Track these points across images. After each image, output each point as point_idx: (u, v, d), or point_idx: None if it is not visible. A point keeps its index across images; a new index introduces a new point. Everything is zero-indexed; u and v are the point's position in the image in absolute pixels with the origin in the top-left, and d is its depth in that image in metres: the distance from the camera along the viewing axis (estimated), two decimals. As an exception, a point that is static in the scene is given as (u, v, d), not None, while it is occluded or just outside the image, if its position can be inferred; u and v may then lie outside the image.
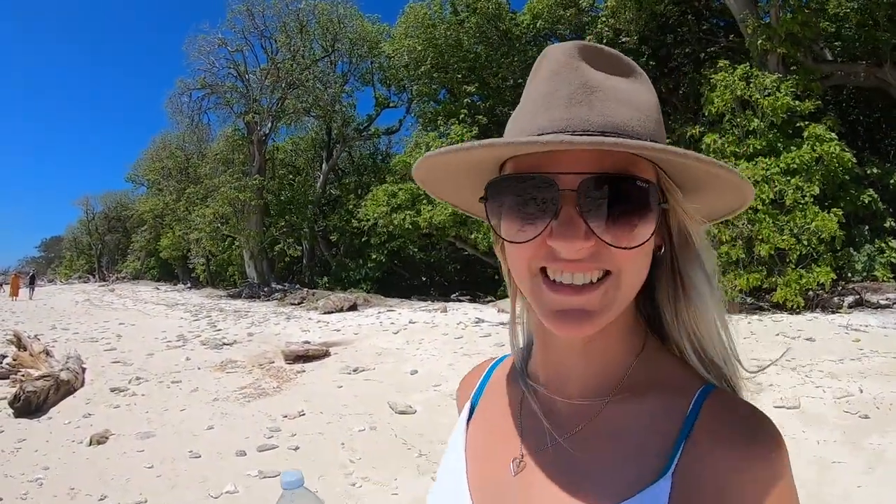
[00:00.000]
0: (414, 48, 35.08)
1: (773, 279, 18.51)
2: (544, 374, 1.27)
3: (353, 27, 45.44)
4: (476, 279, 38.68)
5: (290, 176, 50.48)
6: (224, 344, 20.28)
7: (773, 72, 20.81)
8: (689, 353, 1.17)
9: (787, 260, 18.44)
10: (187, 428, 10.98)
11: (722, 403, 1.09)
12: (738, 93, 20.40)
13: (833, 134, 19.47)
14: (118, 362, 17.35)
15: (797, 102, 19.74)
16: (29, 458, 9.43)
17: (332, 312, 27.28)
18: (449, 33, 33.84)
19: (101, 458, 9.40)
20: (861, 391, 10.16)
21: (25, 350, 16.33)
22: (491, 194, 1.11)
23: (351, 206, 39.89)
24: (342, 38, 45.62)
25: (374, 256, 38.41)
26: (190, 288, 58.65)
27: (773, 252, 18.37)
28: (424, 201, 30.85)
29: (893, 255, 19.27)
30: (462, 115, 33.00)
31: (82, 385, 14.37)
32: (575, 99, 1.04)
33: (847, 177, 19.69)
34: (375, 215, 32.55)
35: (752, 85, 20.32)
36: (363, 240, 38.81)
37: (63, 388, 13.33)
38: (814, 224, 18.19)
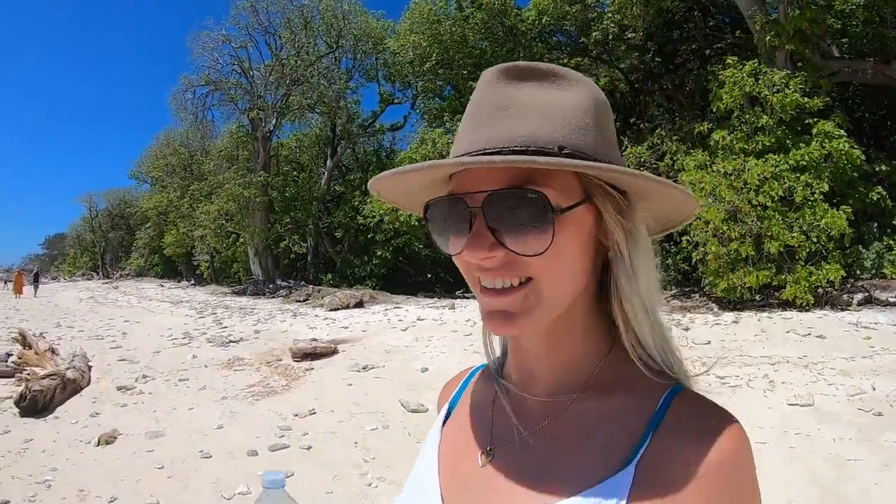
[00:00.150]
0: (419, 44, 34.98)
1: (783, 276, 18.33)
2: (515, 375, 1.32)
3: (357, 23, 45.27)
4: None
5: (295, 172, 50.29)
6: (231, 341, 20.18)
7: (782, 68, 20.64)
8: (633, 353, 1.19)
9: (797, 257, 18.28)
10: (196, 427, 10.86)
11: (687, 402, 1.13)
12: (747, 89, 20.25)
13: (842, 131, 19.32)
14: (124, 360, 17.26)
15: (806, 99, 19.59)
16: (36, 459, 9.30)
17: (339, 309, 27.09)
18: (454, 29, 33.72)
19: (110, 459, 9.28)
20: (874, 389, 10.18)
21: (31, 348, 16.24)
22: (427, 215, 1.20)
23: (356, 203, 39.74)
24: (346, 35, 45.43)
25: (379, 253, 38.22)
26: (194, 285, 58.57)
27: (782, 249, 18.23)
28: (431, 198, 30.24)
29: (902, 252, 19.05)
30: (469, 112, 32.44)
31: (88, 383, 14.26)
32: (489, 120, 1.12)
33: (855, 174, 19.54)
34: (381, 212, 32.43)
35: (760, 81, 20.15)
36: (368, 236, 38.65)
37: (69, 387, 13.23)
38: (823, 221, 18.07)
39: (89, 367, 15.24)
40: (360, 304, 27.91)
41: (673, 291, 22.36)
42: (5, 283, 78.37)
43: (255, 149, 44.99)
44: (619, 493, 1.04)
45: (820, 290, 18.01)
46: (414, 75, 41.03)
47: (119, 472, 8.65)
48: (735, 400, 9.88)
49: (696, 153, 21.82)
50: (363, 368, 14.90)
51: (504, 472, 1.21)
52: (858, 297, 17.93)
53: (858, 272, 19.11)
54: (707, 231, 19.07)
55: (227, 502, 7.68)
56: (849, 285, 18.48)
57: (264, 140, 44.64)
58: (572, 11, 31.42)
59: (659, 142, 24.62)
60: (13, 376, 14.60)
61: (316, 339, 18.18)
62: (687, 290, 22.21)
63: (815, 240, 18.14)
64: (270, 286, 41.26)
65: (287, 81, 43.90)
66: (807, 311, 17.38)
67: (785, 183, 18.68)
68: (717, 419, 1.07)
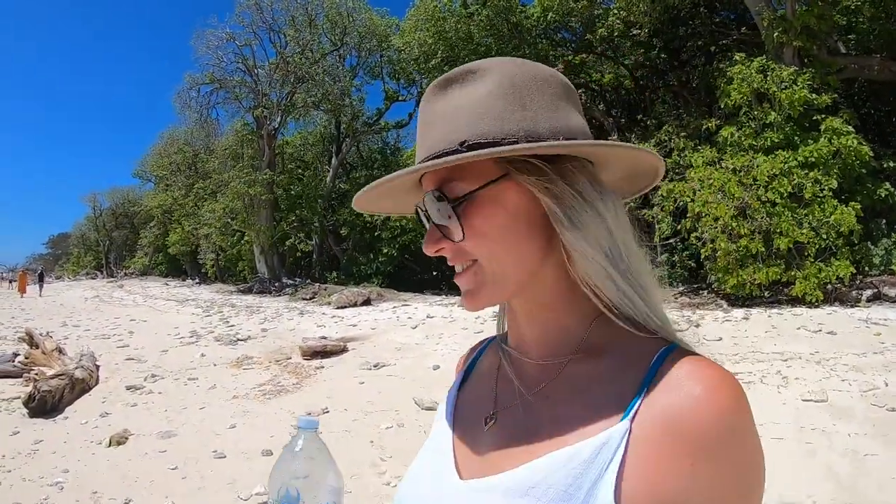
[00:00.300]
0: (425, 41, 34.84)
1: (792, 273, 18.29)
2: (513, 341, 1.38)
3: (361, 20, 45.22)
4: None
5: (300, 170, 50.21)
6: (238, 340, 20.15)
7: (789, 65, 20.54)
8: (611, 315, 1.21)
9: (806, 254, 18.24)
10: (209, 427, 10.78)
11: (680, 360, 1.11)
12: (755, 86, 20.16)
13: (850, 127, 19.23)
14: (132, 359, 17.22)
15: (814, 96, 19.51)
16: (47, 461, 9.16)
17: (346, 307, 27.09)
18: (459, 26, 33.54)
19: (123, 460, 9.16)
20: (886, 384, 10.14)
21: (38, 348, 16.14)
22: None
23: (363, 201, 39.43)
24: (351, 32, 45.37)
25: (385, 251, 38.18)
26: (199, 283, 58.71)
27: (791, 246, 18.19)
28: (438, 195, 30.29)
29: (911, 249, 19.01)
30: (475, 108, 32.33)
31: (97, 383, 14.21)
32: (420, 136, 1.27)
33: (864, 170, 19.51)
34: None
35: (769, 78, 20.05)
36: (375, 234, 38.61)
37: (78, 387, 13.16)
38: (833, 218, 18.02)
39: (97, 367, 15.16)
40: (367, 302, 27.90)
41: (680, 288, 22.31)
42: (10, 282, 78.55)
43: (260, 147, 44.93)
44: (614, 444, 1.06)
45: (829, 286, 17.95)
46: (419, 72, 40.90)
47: (132, 473, 8.53)
48: (750, 396, 9.55)
49: (703, 149, 21.81)
50: (374, 366, 14.85)
51: (505, 432, 1.26)
52: (868, 293, 17.84)
53: (867, 268, 19.05)
54: (716, 227, 19.00)
55: (244, 503, 7.57)
56: (858, 282, 18.41)
57: (269, 138, 44.57)
58: (577, 8, 31.18)
59: (666, 138, 24.47)
60: (21, 376, 14.53)
61: (325, 338, 18.14)
62: (695, 286, 22.11)
63: (824, 236, 18.12)
64: (276, 284, 41.36)
65: (292, 79, 43.95)
66: (816, 307, 17.35)
67: (794, 179, 18.63)
68: (709, 377, 1.07)
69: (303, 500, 1.25)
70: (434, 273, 41.07)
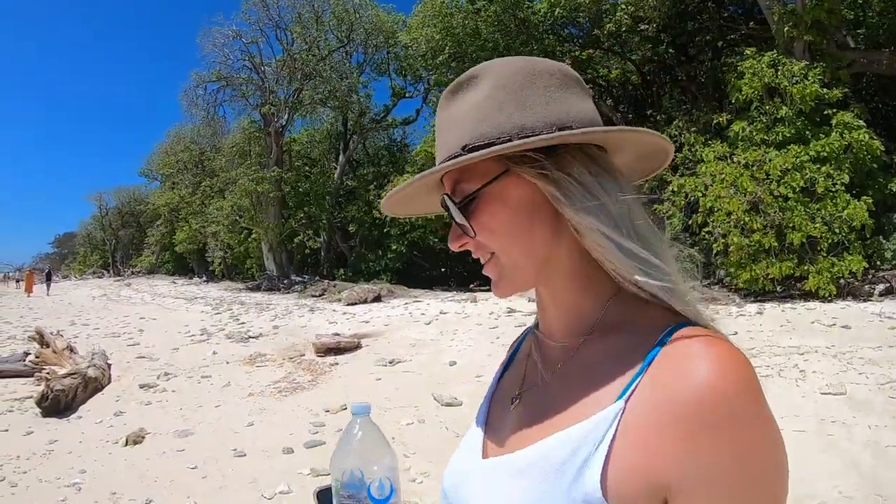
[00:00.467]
0: (432, 37, 34.74)
1: (805, 267, 18.35)
2: (542, 325, 1.43)
3: (368, 17, 45.17)
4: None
5: (307, 168, 50.08)
6: (250, 337, 20.08)
7: (800, 59, 20.54)
8: (634, 291, 1.22)
9: (818, 248, 18.28)
10: (226, 425, 10.69)
11: (688, 335, 1.10)
12: (766, 80, 20.14)
13: (861, 122, 19.24)
14: (143, 357, 17.18)
15: (825, 90, 19.53)
16: (63, 461, 9.05)
17: (356, 304, 27.01)
18: (466, 22, 33.45)
19: (140, 459, 9.04)
20: (903, 378, 10.07)
21: (48, 347, 16.02)
22: None
23: (371, 197, 39.50)
24: (357, 29, 45.35)
25: (394, 247, 38.06)
26: (206, 281, 58.75)
27: (804, 240, 18.20)
28: (449, 190, 30.33)
29: (922, 243, 19.01)
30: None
31: (109, 382, 14.15)
32: (436, 141, 1.36)
33: (875, 165, 19.53)
34: (397, 205, 32.17)
35: (780, 72, 20.02)
36: (384, 231, 38.52)
37: (91, 386, 13.09)
38: (846, 212, 18.07)
39: (109, 365, 15.06)
40: (377, 299, 27.86)
41: (692, 283, 22.01)
42: (17, 282, 78.75)
43: (268, 144, 44.88)
44: (605, 425, 1.08)
45: (842, 280, 18.01)
46: (426, 69, 40.94)
47: (151, 473, 8.40)
48: (769, 389, 9.42)
49: (714, 144, 21.84)
50: (390, 363, 14.77)
51: (526, 412, 1.32)
52: (880, 287, 17.94)
53: (879, 263, 19.12)
54: (729, 222, 19.00)
55: (268, 502, 7.44)
56: (870, 276, 18.48)
57: (277, 135, 44.53)
58: (585, 3, 31.13)
59: (677, 133, 24.36)
60: (32, 375, 14.47)
61: (338, 334, 18.05)
62: (706, 283, 21.92)
63: (836, 231, 18.15)
64: (285, 281, 41.37)
65: (299, 76, 43.88)
66: (829, 301, 17.45)
67: (806, 174, 18.67)
68: (712, 355, 1.04)
69: (366, 479, 1.32)
70: (443, 269, 41.04)
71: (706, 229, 19.86)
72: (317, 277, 41.78)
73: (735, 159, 20.25)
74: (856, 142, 18.67)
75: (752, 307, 17.37)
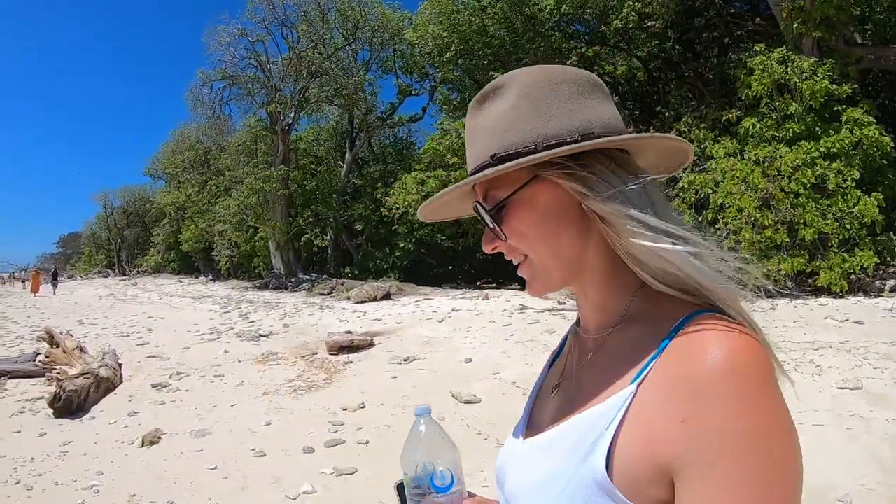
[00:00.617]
0: (439, 35, 34.70)
1: (816, 263, 18.47)
2: (581, 320, 1.51)
3: (373, 14, 45.28)
4: (505, 266, 38.48)
5: (313, 166, 50.10)
6: (260, 336, 19.98)
7: (808, 56, 20.55)
8: (653, 284, 1.25)
9: (829, 244, 18.41)
10: (243, 424, 10.57)
11: (698, 323, 1.14)
12: (776, 76, 20.15)
13: (871, 118, 19.34)
14: (154, 357, 17.09)
15: (834, 87, 19.59)
16: (78, 463, 8.90)
17: (366, 302, 26.98)
18: (473, 19, 33.48)
19: (158, 460, 8.91)
20: (919, 372, 10.32)
21: (58, 347, 15.90)
22: None
23: (379, 195, 39.39)
24: (363, 26, 45.41)
25: (402, 245, 38.07)
26: (212, 280, 58.87)
27: (816, 236, 18.31)
28: (457, 189, 30.33)
29: (932, 239, 19.12)
30: (491, 102, 32.22)
31: (121, 382, 13.99)
32: (466, 149, 1.43)
33: (885, 161, 19.63)
34: (406, 203, 32.18)
35: (789, 69, 20.02)
36: (392, 228, 38.35)
37: (103, 386, 12.96)
38: (857, 208, 18.18)
39: (119, 365, 14.89)
40: (387, 297, 27.82)
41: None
42: (23, 282, 78.89)
43: (274, 142, 44.92)
44: (616, 408, 1.14)
45: (853, 276, 18.17)
46: (433, 66, 41.02)
47: (170, 474, 8.27)
48: (785, 385, 9.76)
49: (724, 140, 21.94)
50: (404, 360, 14.67)
51: (561, 399, 1.41)
52: (891, 283, 18.16)
53: (889, 259, 19.24)
54: (740, 218, 19.09)
55: (292, 502, 7.32)
56: (881, 272, 18.66)
57: (283, 133, 44.56)
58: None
59: (686, 129, 24.36)
60: (42, 376, 14.36)
61: (350, 332, 17.95)
62: None
63: (847, 227, 18.26)
64: (292, 280, 41.40)
65: (305, 74, 43.90)
66: (841, 297, 17.63)
67: (817, 170, 18.75)
68: (721, 340, 1.08)
69: (430, 472, 1.43)
70: (450, 267, 41.01)
71: (717, 225, 19.86)
72: (324, 276, 41.83)
73: (746, 156, 20.29)
74: (866, 138, 18.79)
75: (764, 303, 17.11)
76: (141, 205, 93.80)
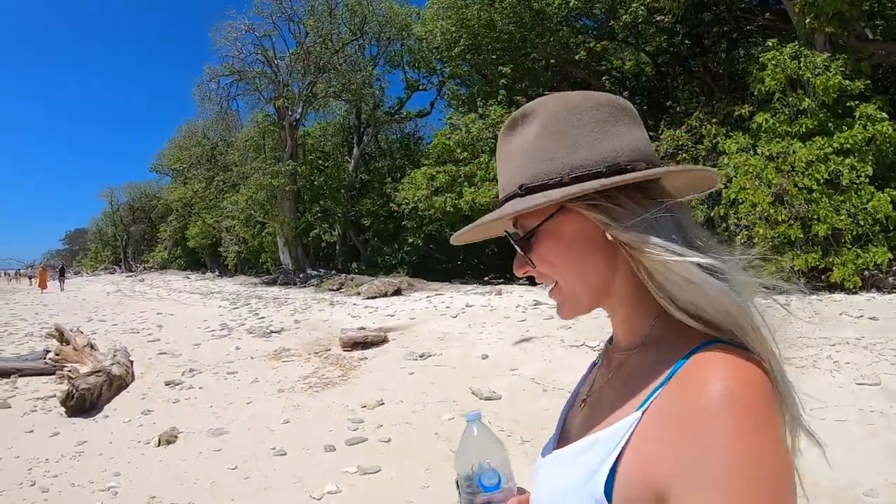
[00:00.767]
0: (447, 30, 34.61)
1: (830, 259, 18.47)
2: (614, 338, 1.53)
3: (381, 10, 45.16)
4: (513, 262, 38.57)
5: (320, 161, 50.00)
6: (272, 332, 19.96)
7: (821, 51, 20.49)
8: (672, 311, 1.25)
9: (843, 240, 18.42)
10: (260, 422, 10.44)
11: (708, 353, 1.15)
12: (789, 72, 20.06)
13: (884, 114, 19.22)
14: (165, 354, 17.03)
15: (847, 82, 19.50)
16: (94, 463, 8.74)
17: (376, 297, 26.87)
18: (482, 14, 33.36)
19: (176, 460, 8.75)
20: (936, 368, 10.38)
21: (68, 344, 15.85)
22: None
23: (388, 191, 39.31)
24: (370, 21, 45.34)
25: (410, 240, 37.96)
26: (220, 276, 58.88)
27: (829, 232, 18.30)
28: (465, 184, 30.72)
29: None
30: (500, 97, 32.48)
31: (133, 379, 13.89)
32: (498, 168, 1.48)
33: (897, 157, 19.54)
34: (415, 199, 32.13)
35: (802, 64, 19.93)
36: (402, 223, 38.21)
37: (116, 384, 12.86)
38: (870, 204, 18.17)
39: (131, 362, 14.78)
40: (398, 292, 27.69)
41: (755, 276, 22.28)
42: (30, 279, 79.09)
43: (283, 138, 44.75)
44: (621, 433, 1.18)
45: (866, 272, 18.14)
46: (440, 61, 40.94)
47: (189, 475, 8.11)
48: (805, 381, 9.94)
49: (736, 136, 21.90)
50: (420, 356, 14.58)
51: (585, 415, 1.44)
52: None
53: None
54: (754, 214, 19.07)
55: (317, 503, 7.17)
56: (894, 268, 18.54)
57: (291, 129, 44.42)
58: (601, -6, 31.09)
59: (697, 124, 24.37)
60: (53, 373, 14.29)
61: (364, 328, 17.87)
62: None
63: (861, 223, 18.25)
64: (301, 275, 41.35)
65: (312, 69, 43.85)
66: (854, 293, 17.63)
67: (830, 166, 18.70)
68: (718, 369, 1.10)
69: (485, 472, 1.50)
70: (459, 262, 40.94)
71: (731, 221, 19.97)
72: (332, 271, 41.73)
73: (759, 151, 20.24)
74: (879, 134, 18.70)
75: (778, 299, 17.25)
76: (147, 201, 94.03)
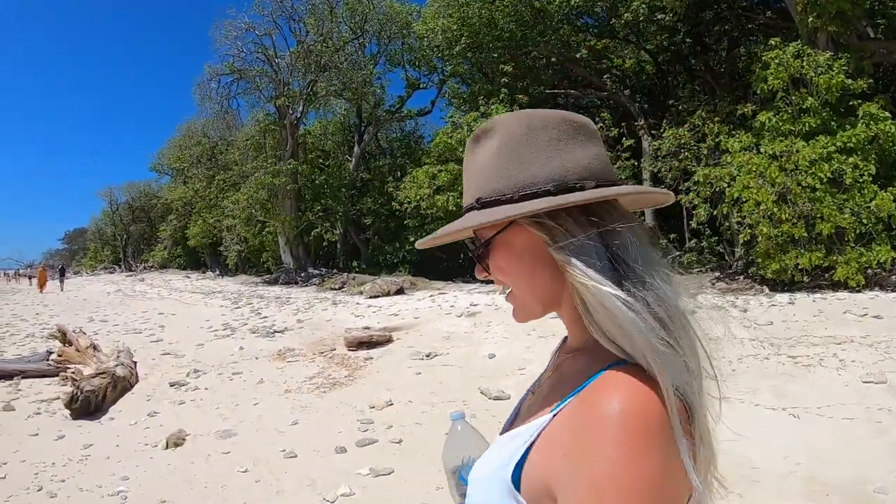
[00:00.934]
0: (448, 28, 34.59)
1: (833, 258, 18.47)
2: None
3: (381, 8, 45.11)
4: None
5: (321, 160, 50.02)
6: (275, 332, 19.90)
7: (823, 50, 20.51)
8: (592, 330, 1.33)
9: (846, 239, 18.45)
10: (269, 424, 10.39)
11: (609, 374, 1.23)
12: (792, 71, 20.09)
13: (887, 113, 19.33)
14: (168, 354, 16.97)
15: (850, 81, 19.54)
16: (102, 467, 8.65)
17: (379, 296, 26.90)
18: (483, 12, 33.35)
19: (185, 463, 8.69)
20: (941, 366, 10.43)
21: (71, 345, 15.74)
22: None
23: (389, 189, 39.24)
24: (371, 20, 45.29)
25: (412, 239, 37.67)
26: (220, 275, 58.87)
27: (833, 231, 18.32)
28: (468, 182, 30.33)
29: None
30: (502, 95, 32.48)
31: (137, 380, 13.80)
32: (463, 179, 1.56)
33: (900, 155, 19.56)
34: (417, 197, 32.14)
35: (805, 63, 19.93)
36: (404, 222, 38.23)
37: (120, 385, 12.77)
38: (873, 203, 18.22)
39: (134, 363, 14.68)
40: (400, 291, 27.79)
41: (717, 274, 22.53)
42: (30, 279, 79.12)
43: (283, 136, 44.67)
44: (533, 432, 1.29)
45: (869, 271, 18.14)
46: (441, 59, 40.90)
47: (199, 479, 8.03)
48: (812, 379, 10.29)
49: (739, 134, 21.93)
50: (426, 356, 14.54)
51: (526, 405, 1.53)
52: None
53: None
54: (758, 212, 19.07)
55: (331, 506, 7.08)
56: None
57: (292, 127, 44.35)
58: (602, -8, 31.07)
59: (700, 123, 24.42)
60: (56, 375, 14.24)
61: (368, 328, 17.85)
62: (729, 272, 22.19)
63: (864, 221, 18.30)
64: (302, 275, 41.33)
65: (313, 68, 43.79)
66: (858, 292, 17.64)
67: (833, 165, 18.73)
68: (613, 391, 1.17)
69: (463, 466, 1.62)
70: (460, 262, 40.94)
71: (734, 219, 20.19)
72: (334, 270, 41.75)
73: (762, 150, 20.24)
74: (882, 133, 18.76)
75: (782, 297, 17.63)
76: (146, 200, 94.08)
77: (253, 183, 42.64)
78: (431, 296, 25.44)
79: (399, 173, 42.06)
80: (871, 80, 20.18)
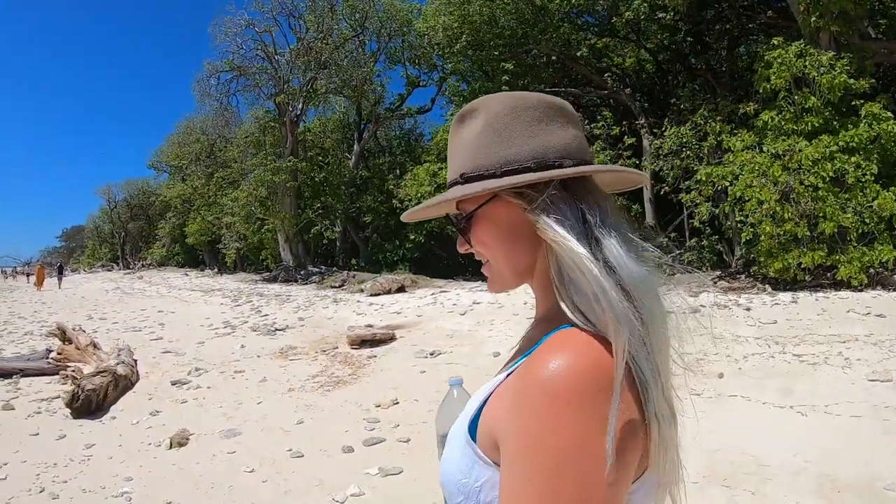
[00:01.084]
0: (449, 25, 34.49)
1: (836, 257, 18.46)
2: None
3: (382, 5, 45.00)
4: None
5: (320, 157, 49.82)
6: (276, 330, 19.84)
7: (826, 49, 20.47)
8: (556, 289, 1.39)
9: (848, 238, 18.46)
10: (274, 423, 10.28)
11: (560, 335, 1.29)
12: (794, 70, 20.06)
13: (889, 113, 19.27)
14: (169, 352, 16.89)
15: (852, 81, 19.49)
16: (105, 468, 8.53)
17: (380, 294, 26.85)
18: (483, 10, 33.24)
19: (190, 463, 8.57)
20: (946, 365, 10.48)
21: (70, 343, 15.62)
22: None
23: (389, 187, 39.29)
24: (371, 17, 45.16)
25: (412, 237, 37.99)
26: (219, 273, 58.76)
27: (835, 230, 18.35)
28: (470, 179, 30.35)
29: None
30: (503, 94, 32.05)
31: (138, 379, 13.71)
32: (448, 157, 1.63)
33: (902, 155, 19.64)
34: (418, 195, 32.12)
35: (808, 62, 19.91)
36: (401, 220, 38.11)
37: (121, 384, 12.65)
38: (875, 203, 18.19)
39: (135, 361, 14.59)
40: (402, 289, 27.70)
41: (718, 272, 22.41)
42: (28, 276, 79.06)
43: (283, 134, 44.62)
44: (490, 387, 1.41)
45: (871, 270, 18.13)
46: (442, 57, 40.71)
47: (205, 479, 7.92)
48: (818, 377, 10.35)
49: (741, 134, 21.91)
50: (430, 354, 14.52)
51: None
52: None
53: None
54: (761, 211, 19.04)
55: (341, 507, 7.01)
56: None
57: (292, 125, 44.31)
58: (604, -10, 30.98)
59: (702, 122, 24.42)
60: (56, 374, 14.11)
61: (371, 326, 17.87)
62: (731, 271, 22.15)
63: (866, 221, 18.30)
64: (302, 273, 41.25)
65: (313, 65, 43.64)
66: (860, 291, 17.63)
67: (836, 164, 18.71)
68: (555, 352, 1.21)
69: None
70: (460, 260, 40.87)
71: (737, 218, 20.21)
72: (334, 268, 41.70)
73: (765, 149, 20.23)
74: (884, 133, 18.70)
75: (785, 296, 17.65)
76: (145, 198, 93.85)
77: (252, 180, 42.59)
78: (433, 294, 25.32)
79: (399, 171, 42.05)
80: (872, 80, 20.17)
